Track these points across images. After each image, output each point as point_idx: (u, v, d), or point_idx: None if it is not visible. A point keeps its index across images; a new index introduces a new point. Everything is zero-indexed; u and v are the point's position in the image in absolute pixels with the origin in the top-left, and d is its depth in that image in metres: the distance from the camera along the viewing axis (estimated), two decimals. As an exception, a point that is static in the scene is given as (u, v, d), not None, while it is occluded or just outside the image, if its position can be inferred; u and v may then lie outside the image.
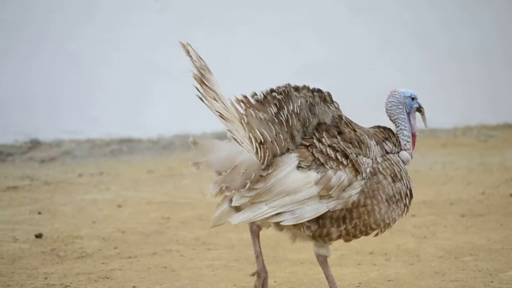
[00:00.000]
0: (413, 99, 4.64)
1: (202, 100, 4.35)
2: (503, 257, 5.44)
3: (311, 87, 4.51)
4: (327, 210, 4.39)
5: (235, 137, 4.36)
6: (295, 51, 11.89)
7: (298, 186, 4.36)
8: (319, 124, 4.46)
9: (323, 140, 4.42)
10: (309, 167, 4.38)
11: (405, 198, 4.50)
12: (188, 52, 4.35)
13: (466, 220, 6.62)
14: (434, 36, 11.84)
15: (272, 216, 4.38)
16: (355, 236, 4.49)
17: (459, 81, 11.58)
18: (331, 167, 4.37)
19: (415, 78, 11.58)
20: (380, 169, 4.48)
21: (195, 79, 4.34)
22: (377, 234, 4.52)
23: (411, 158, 4.56)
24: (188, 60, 4.32)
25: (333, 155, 4.39)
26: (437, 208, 7.14)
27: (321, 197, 4.37)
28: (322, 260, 4.50)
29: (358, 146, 4.44)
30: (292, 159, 4.39)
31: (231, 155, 4.38)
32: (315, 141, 4.41)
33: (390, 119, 4.65)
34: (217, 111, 4.34)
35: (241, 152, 4.37)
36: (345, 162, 4.38)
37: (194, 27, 11.85)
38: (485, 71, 11.62)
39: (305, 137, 4.44)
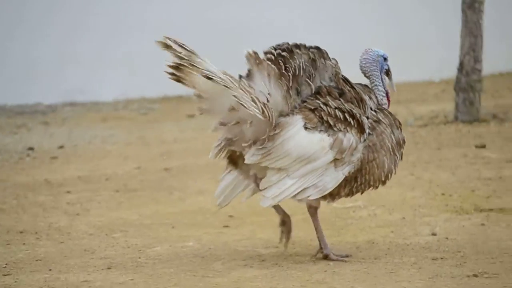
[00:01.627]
0: (385, 59, 4.89)
1: (210, 78, 4.45)
2: (153, 232, 5.54)
3: (307, 45, 4.70)
4: (343, 177, 4.65)
5: (241, 102, 4.45)
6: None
7: (316, 152, 4.59)
8: (320, 87, 4.69)
9: (330, 103, 4.64)
10: (315, 128, 4.60)
11: (403, 146, 4.79)
12: (170, 45, 4.49)
13: (119, 195, 6.66)
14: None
15: (299, 193, 4.60)
16: (363, 191, 4.76)
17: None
18: (340, 129, 4.62)
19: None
20: (381, 118, 4.74)
21: (184, 66, 4.49)
22: (377, 187, 4.76)
23: None
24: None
25: (341, 117, 4.63)
26: (93, 184, 7.11)
27: (335, 162, 4.61)
28: (313, 212, 4.79)
29: (358, 105, 4.68)
30: (297, 120, 4.60)
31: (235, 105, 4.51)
32: (321, 105, 4.63)
33: (365, 76, 4.89)
34: (221, 81, 4.46)
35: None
36: (352, 123, 4.63)
37: None
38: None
39: (309, 98, 4.65)
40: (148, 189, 6.83)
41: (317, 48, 4.72)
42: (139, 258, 4.96)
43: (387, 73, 4.91)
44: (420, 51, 11.86)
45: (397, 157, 4.77)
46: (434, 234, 5.22)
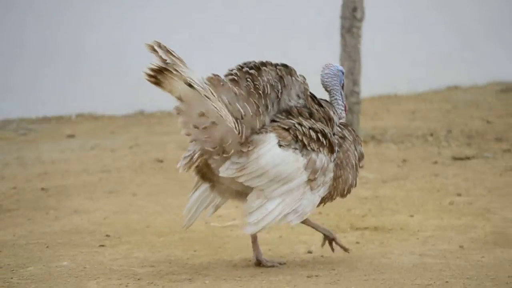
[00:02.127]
0: (343, 73, 4.95)
1: (191, 85, 4.47)
2: (27, 252, 5.41)
3: (273, 62, 4.78)
4: (320, 199, 4.78)
5: (220, 114, 4.51)
6: None
7: (291, 172, 4.67)
8: (291, 108, 4.78)
9: (303, 123, 4.72)
10: (288, 146, 4.68)
11: (362, 160, 4.97)
12: (156, 51, 4.47)
13: (-7, 216, 6.49)
14: None
15: (280, 219, 4.68)
16: (325, 203, 4.92)
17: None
18: (313, 149, 4.71)
19: None
20: (346, 135, 4.87)
21: (167, 71, 4.47)
22: (335, 199, 4.92)
23: None
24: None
25: (314, 136, 4.70)
26: (-37, 205, 6.90)
27: (311, 184, 4.71)
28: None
29: (327, 124, 4.81)
30: (271, 137, 4.68)
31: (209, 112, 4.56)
32: (296, 124, 4.70)
33: (326, 90, 4.96)
34: (202, 91, 4.49)
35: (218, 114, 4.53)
36: (324, 142, 4.73)
37: None
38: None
39: (280, 117, 4.74)
40: (24, 209, 6.67)
41: (284, 65, 4.83)
42: (12, 278, 4.82)
43: (342, 86, 5.03)
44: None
45: (358, 170, 4.96)
46: (310, 252, 5.28)
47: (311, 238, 5.60)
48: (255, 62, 4.78)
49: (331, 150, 4.79)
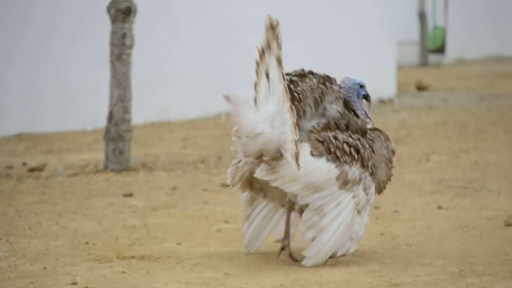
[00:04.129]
0: (361, 86, 5.23)
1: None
2: None
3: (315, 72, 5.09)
4: (368, 218, 5.09)
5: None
6: None
7: (324, 182, 4.90)
8: (329, 121, 5.03)
9: (339, 136, 4.99)
10: (320, 156, 4.93)
11: (394, 154, 5.25)
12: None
13: None
14: None
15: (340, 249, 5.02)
16: None
17: None
18: (346, 162, 4.97)
19: None
20: (375, 138, 5.23)
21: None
22: None
23: None
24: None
25: (347, 150, 4.97)
26: None
27: (358, 210, 4.98)
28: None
29: (362, 135, 5.10)
30: (304, 146, 4.95)
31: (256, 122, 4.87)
32: (331, 138, 4.97)
33: None
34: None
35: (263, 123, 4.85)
36: (356, 157, 5.00)
37: None
38: None
39: (316, 128, 4.98)
40: None
41: (327, 75, 5.11)
42: None
43: (366, 98, 5.28)
44: (75, 101, 11.87)
45: (391, 166, 5.25)
46: (74, 283, 5.20)
47: (77, 269, 5.52)
48: (303, 70, 5.05)
49: (363, 165, 5.05)
